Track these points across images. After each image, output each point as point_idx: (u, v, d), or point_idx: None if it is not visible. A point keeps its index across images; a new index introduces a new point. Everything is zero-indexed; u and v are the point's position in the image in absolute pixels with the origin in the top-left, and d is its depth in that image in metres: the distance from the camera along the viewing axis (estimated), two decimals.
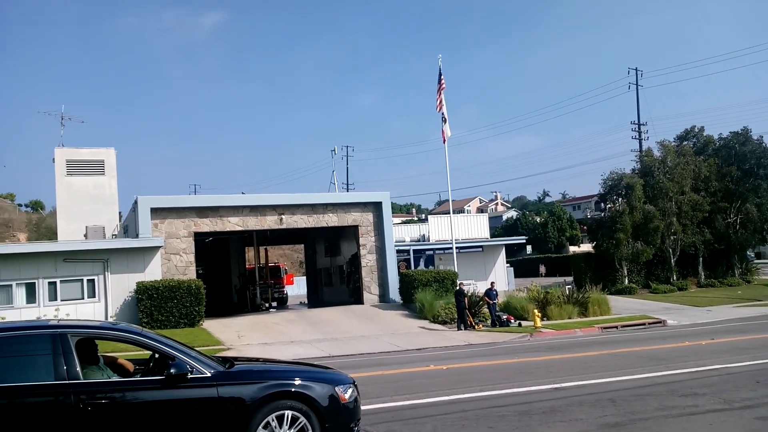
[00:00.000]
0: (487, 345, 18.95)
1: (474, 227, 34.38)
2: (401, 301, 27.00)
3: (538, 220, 75.68)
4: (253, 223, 26.31)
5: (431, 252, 32.66)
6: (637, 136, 63.57)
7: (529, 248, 67.24)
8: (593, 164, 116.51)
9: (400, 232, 34.80)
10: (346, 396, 6.16)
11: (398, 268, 29.62)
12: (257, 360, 8.08)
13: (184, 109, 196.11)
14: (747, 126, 40.54)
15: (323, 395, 6.00)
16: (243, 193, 34.16)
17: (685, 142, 37.52)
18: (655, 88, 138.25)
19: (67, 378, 5.35)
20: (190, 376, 5.62)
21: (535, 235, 71.26)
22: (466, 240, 32.83)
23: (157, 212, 24.47)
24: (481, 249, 33.20)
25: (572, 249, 63.72)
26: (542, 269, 43.13)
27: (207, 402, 5.66)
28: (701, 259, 36.70)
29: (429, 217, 36.45)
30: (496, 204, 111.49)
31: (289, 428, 5.81)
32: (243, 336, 20.80)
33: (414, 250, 32.11)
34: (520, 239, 40.20)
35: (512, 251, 64.08)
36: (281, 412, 5.78)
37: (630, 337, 19.63)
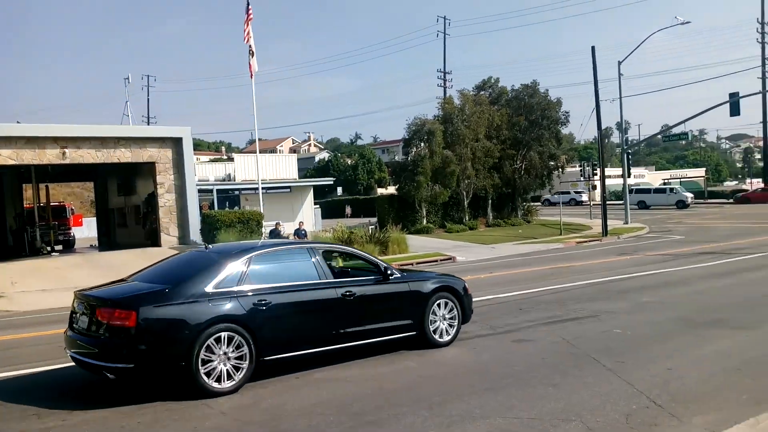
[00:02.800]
0: None
1: (282, 167, 33.99)
2: (203, 243, 26.01)
3: (349, 162, 77.15)
4: (30, 156, 23.34)
5: (237, 192, 31.76)
6: (443, 84, 67.14)
7: (339, 190, 68.48)
8: (404, 109, 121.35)
9: (204, 171, 33.29)
10: (468, 288, 9.51)
11: (201, 208, 28.41)
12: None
13: None
14: (536, 79, 44.26)
15: (460, 287, 9.33)
16: (18, 122, 30.00)
17: (483, 92, 40.08)
18: (462, 38, 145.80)
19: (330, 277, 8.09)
20: (391, 276, 8.55)
21: (346, 177, 72.73)
22: (274, 180, 32.40)
23: None
24: (289, 190, 33.02)
25: (380, 191, 66.06)
26: (348, 210, 44.26)
27: (404, 291, 8.65)
28: (491, 201, 40.02)
29: (235, 156, 35.25)
30: (309, 145, 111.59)
31: (446, 309, 9.01)
32: (17, 282, 18.65)
33: (218, 190, 31.01)
34: (328, 180, 40.66)
35: (323, 192, 64.83)
36: (443, 299, 8.96)
37: None
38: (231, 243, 11.32)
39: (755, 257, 20.04)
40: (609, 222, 33.00)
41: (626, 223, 37.13)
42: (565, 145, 46.42)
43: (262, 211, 26.55)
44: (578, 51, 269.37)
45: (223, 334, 6.87)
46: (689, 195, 57.89)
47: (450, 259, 25.43)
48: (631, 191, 57.19)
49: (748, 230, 30.98)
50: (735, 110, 32.09)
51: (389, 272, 8.55)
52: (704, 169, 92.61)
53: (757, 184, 71.91)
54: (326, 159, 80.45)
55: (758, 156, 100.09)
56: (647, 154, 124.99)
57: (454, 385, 7.40)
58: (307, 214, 33.19)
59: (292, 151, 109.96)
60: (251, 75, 26.32)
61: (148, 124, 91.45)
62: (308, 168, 77.87)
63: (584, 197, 63.68)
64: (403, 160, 37.13)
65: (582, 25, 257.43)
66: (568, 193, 48.70)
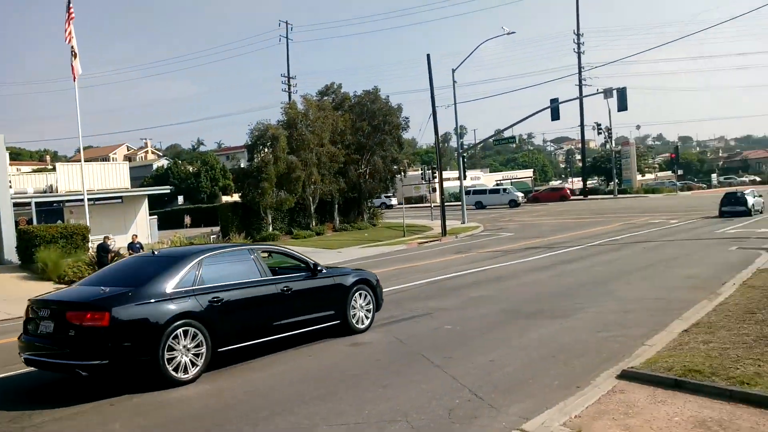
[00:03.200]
0: None
1: (113, 176, 31.61)
2: (20, 262, 23.48)
3: (191, 169, 73.88)
4: None
5: (59, 205, 29.02)
6: (287, 89, 66.63)
7: (181, 199, 65.29)
8: (249, 114, 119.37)
9: (22, 183, 30.08)
10: (379, 281, 10.81)
11: (17, 224, 25.63)
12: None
13: None
14: (377, 86, 45.31)
15: (374, 279, 10.56)
16: None
17: (326, 98, 40.23)
18: (305, 43, 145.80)
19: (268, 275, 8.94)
20: (320, 272, 9.58)
21: (188, 185, 69.50)
22: (103, 190, 30.05)
23: None
24: (120, 200, 30.78)
25: (225, 199, 63.95)
26: (187, 220, 42.24)
27: (330, 285, 9.67)
28: (337, 206, 40.24)
29: (58, 165, 32.19)
30: (146, 152, 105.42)
31: (363, 299, 10.17)
32: None
33: (38, 203, 28.09)
34: (165, 189, 38.52)
35: (163, 202, 61.48)
36: (361, 291, 10.13)
37: None
38: (176, 248, 12.22)
39: (573, 250, 21.92)
40: (448, 222, 34.54)
41: (463, 222, 39.10)
42: (407, 150, 48.04)
43: (88, 224, 24.47)
44: (417, 59, 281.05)
45: (184, 329, 7.62)
46: (520, 194, 62.47)
47: None
48: (468, 192, 60.74)
49: (568, 225, 33.95)
50: (555, 115, 35.00)
51: (318, 268, 9.67)
52: (532, 170, 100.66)
53: (577, 182, 79.43)
54: (165, 166, 76.19)
55: (578, 157, 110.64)
56: (482, 157, 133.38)
57: (285, 395, 7.17)
58: (142, 226, 31.14)
59: (127, 158, 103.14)
60: (74, 78, 24.17)
61: None
62: (145, 176, 73.44)
63: (393, 201, 66.73)
64: (247, 167, 36.20)
65: (419, 34, 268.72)
66: (380, 197, 50.52)
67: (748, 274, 13.33)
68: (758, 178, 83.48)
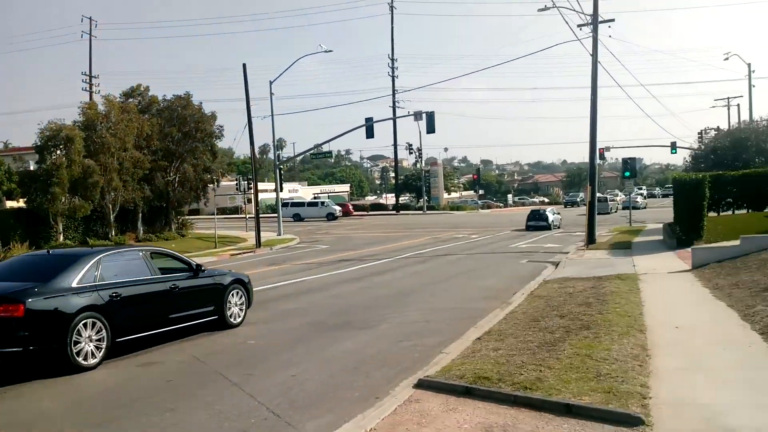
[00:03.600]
0: None
1: None
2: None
3: None
4: None
5: None
6: (89, 89, 61.14)
7: None
8: (44, 112, 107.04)
9: None
10: (251, 281, 12.04)
11: None
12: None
13: None
14: (189, 91, 43.24)
15: (246, 279, 11.79)
16: None
17: (131, 99, 37.39)
18: (114, 42, 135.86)
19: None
20: (202, 272, 10.73)
21: None
22: None
23: None
24: None
25: (11, 204, 56.78)
26: None
27: (211, 284, 10.80)
28: (141, 215, 37.50)
29: None
30: None
31: (238, 297, 11.30)
32: None
33: None
34: None
35: None
36: (236, 289, 11.24)
37: None
38: (70, 248, 12.92)
39: (383, 262, 22.49)
40: (263, 234, 33.79)
41: (279, 234, 38.58)
42: (223, 159, 46.40)
43: None
44: (234, 68, 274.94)
45: (88, 320, 8.38)
46: (338, 208, 63.36)
47: None
48: (286, 204, 60.39)
49: (380, 239, 34.97)
50: (370, 133, 36.03)
51: (200, 269, 10.75)
52: (349, 185, 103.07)
53: (391, 198, 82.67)
54: None
55: (392, 174, 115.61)
56: (301, 170, 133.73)
57: (56, 425, 6.20)
58: None
59: None
60: None
61: None
62: None
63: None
64: (36, 169, 32.31)
65: (236, 43, 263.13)
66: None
67: (535, 285, 14.53)
68: (546, 199, 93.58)
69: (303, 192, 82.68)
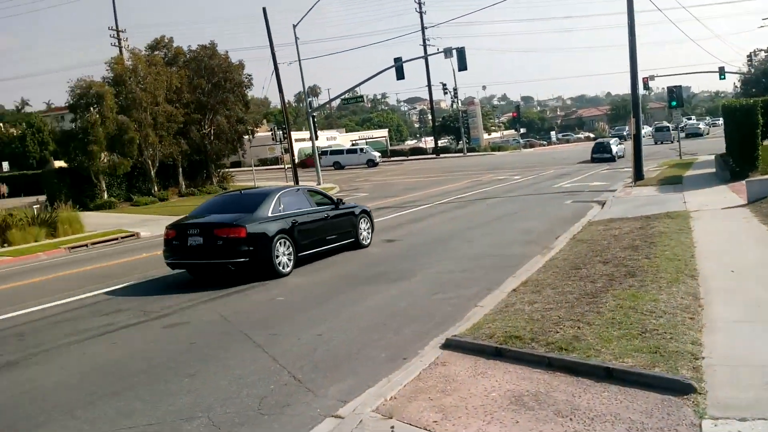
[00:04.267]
0: None
1: None
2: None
3: (14, 132, 66.10)
4: None
5: None
6: (117, 44, 60.99)
7: (6, 165, 58.44)
8: (78, 70, 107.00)
9: None
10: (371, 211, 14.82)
11: None
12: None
13: None
14: (214, 40, 42.51)
15: (369, 210, 14.58)
16: None
17: (157, 52, 36.99)
18: None
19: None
20: (341, 204, 13.48)
21: (13, 150, 62.20)
22: None
23: None
24: None
25: (59, 164, 58.11)
26: (3, 189, 37.54)
27: (348, 213, 13.55)
28: (181, 169, 37.74)
29: None
30: None
31: (366, 224, 14.01)
32: None
33: None
34: None
35: None
36: (363, 218, 13.99)
37: (97, 255, 18.44)
38: (256, 188, 16.59)
39: (422, 209, 21.97)
40: (302, 183, 33.56)
41: (318, 183, 38.28)
42: (257, 110, 46.06)
43: None
44: (253, 16, 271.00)
45: (281, 240, 11.20)
46: (377, 154, 62.60)
47: (133, 235, 23.05)
48: (325, 153, 59.94)
49: (420, 184, 34.35)
50: (400, 74, 34.90)
51: (341, 202, 13.62)
52: (387, 130, 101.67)
53: (430, 141, 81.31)
54: None
55: (430, 117, 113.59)
56: (338, 117, 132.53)
57: (71, 395, 6.03)
58: None
59: None
60: None
61: None
62: None
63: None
64: (71, 128, 32.58)
65: None
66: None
67: (579, 227, 13.80)
68: (592, 135, 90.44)
69: (341, 139, 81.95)
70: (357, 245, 13.57)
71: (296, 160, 42.42)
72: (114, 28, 46.68)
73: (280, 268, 11.04)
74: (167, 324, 8.56)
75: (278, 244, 11.03)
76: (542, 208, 19.21)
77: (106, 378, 6.51)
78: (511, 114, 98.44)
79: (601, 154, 39.86)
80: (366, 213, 14.19)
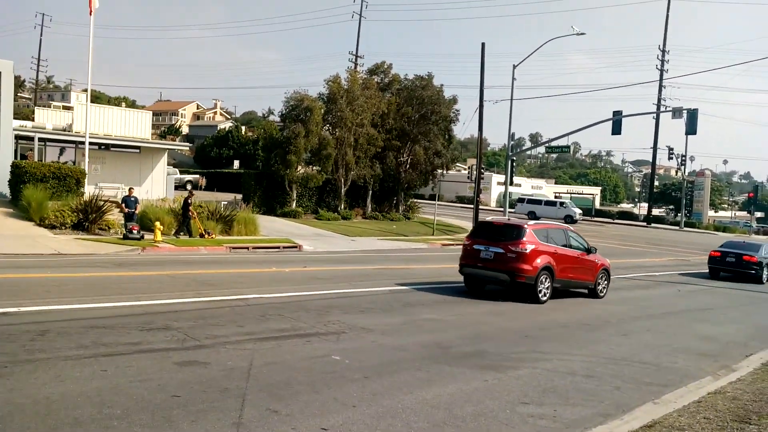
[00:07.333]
0: (79, 256, 16.12)
1: (133, 124, 30.35)
2: (10, 197, 22.58)
3: (250, 135, 73.35)
4: None
5: (68, 145, 27.99)
6: (354, 67, 64.73)
7: (236, 163, 64.91)
8: (316, 87, 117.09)
9: (46, 117, 29.37)
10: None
11: (25, 157, 24.83)
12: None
13: None
14: (431, 72, 42.51)
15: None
16: None
17: (374, 77, 37.84)
18: (376, 23, 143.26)
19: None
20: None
21: (246, 151, 68.96)
22: (121, 138, 28.88)
23: None
24: (138, 150, 29.60)
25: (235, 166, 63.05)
26: (202, 181, 40.98)
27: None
28: (371, 192, 37.98)
29: (75, 104, 31.31)
30: (215, 113, 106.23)
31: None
32: None
33: (41, 139, 26.83)
34: (184, 145, 37.40)
35: (220, 164, 61.18)
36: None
37: (244, 259, 18.56)
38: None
39: None
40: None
41: None
42: (457, 147, 45.13)
43: (87, 168, 23.23)
44: (470, 55, 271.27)
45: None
46: (578, 211, 58.24)
47: (296, 247, 23.17)
48: (522, 201, 57.19)
49: (614, 251, 30.45)
50: (616, 129, 31.49)
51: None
52: (600, 188, 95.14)
53: (644, 208, 74.07)
54: (227, 129, 76.09)
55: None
56: (553, 168, 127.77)
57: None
58: (158, 180, 29.90)
59: (196, 117, 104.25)
60: (90, 12, 22.84)
61: (38, 67, 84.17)
62: (206, 136, 73.56)
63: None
64: (278, 136, 34.42)
65: (477, 28, 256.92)
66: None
67: None
68: None
69: (547, 189, 78.20)
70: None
71: (493, 204, 41.01)
72: (353, 52, 49.47)
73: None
74: (185, 360, 7.13)
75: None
76: (747, 310, 15.33)
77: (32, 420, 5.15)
78: (747, 194, 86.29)
79: None
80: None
